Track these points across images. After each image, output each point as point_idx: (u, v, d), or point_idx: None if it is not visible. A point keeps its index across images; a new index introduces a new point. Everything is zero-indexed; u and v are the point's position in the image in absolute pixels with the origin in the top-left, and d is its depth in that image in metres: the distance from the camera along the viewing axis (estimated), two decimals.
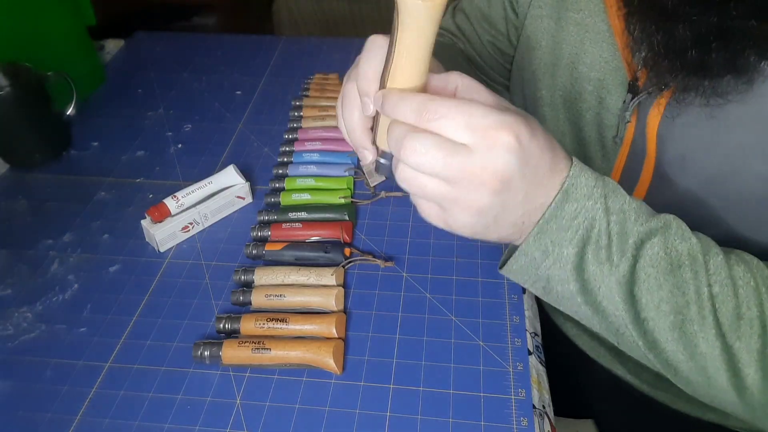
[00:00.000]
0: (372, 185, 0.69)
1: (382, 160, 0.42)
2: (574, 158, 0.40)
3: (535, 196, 0.38)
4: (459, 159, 0.35)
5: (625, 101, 0.51)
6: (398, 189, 0.69)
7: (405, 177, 0.38)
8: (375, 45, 0.41)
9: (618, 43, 0.51)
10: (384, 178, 0.69)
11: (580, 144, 0.58)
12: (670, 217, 0.42)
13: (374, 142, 0.43)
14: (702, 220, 0.48)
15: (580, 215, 0.39)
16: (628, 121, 0.51)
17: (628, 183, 0.54)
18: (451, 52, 0.69)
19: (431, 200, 0.39)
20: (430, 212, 0.40)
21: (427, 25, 0.35)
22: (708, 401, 0.44)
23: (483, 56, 0.70)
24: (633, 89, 0.50)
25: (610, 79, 0.53)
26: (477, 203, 0.37)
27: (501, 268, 0.44)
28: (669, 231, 0.40)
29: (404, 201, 0.69)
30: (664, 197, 0.50)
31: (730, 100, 0.43)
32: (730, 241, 0.43)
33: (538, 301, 0.64)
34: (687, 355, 0.40)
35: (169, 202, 0.63)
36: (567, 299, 0.43)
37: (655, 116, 0.48)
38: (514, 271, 0.43)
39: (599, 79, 0.53)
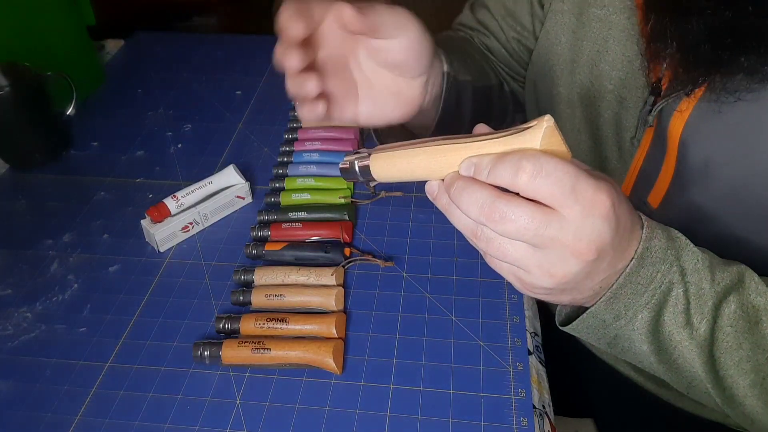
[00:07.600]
0: (372, 185, 0.69)
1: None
2: (642, 216, 0.39)
3: (617, 262, 0.37)
4: (552, 229, 0.32)
5: (646, 102, 0.49)
6: (398, 189, 0.70)
7: (486, 237, 0.35)
8: None
9: (643, 42, 0.49)
10: None
11: (597, 143, 0.56)
12: (742, 267, 0.41)
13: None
14: (720, 231, 0.47)
15: (656, 279, 0.38)
16: (651, 125, 0.49)
17: (644, 187, 0.52)
18: (466, 48, 0.67)
19: (511, 263, 0.36)
20: (502, 267, 0.38)
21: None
22: None
23: (509, 50, 0.67)
24: (656, 91, 0.48)
25: (632, 78, 0.51)
26: (563, 271, 0.34)
27: (563, 325, 0.43)
28: (743, 286, 0.40)
29: (404, 201, 0.69)
30: (682, 204, 0.49)
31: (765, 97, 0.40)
32: (747, 254, 0.42)
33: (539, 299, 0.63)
34: (767, 409, 0.40)
35: (169, 202, 0.63)
36: (635, 355, 0.42)
37: (678, 120, 0.46)
38: (579, 330, 0.42)
39: (621, 79, 0.52)
